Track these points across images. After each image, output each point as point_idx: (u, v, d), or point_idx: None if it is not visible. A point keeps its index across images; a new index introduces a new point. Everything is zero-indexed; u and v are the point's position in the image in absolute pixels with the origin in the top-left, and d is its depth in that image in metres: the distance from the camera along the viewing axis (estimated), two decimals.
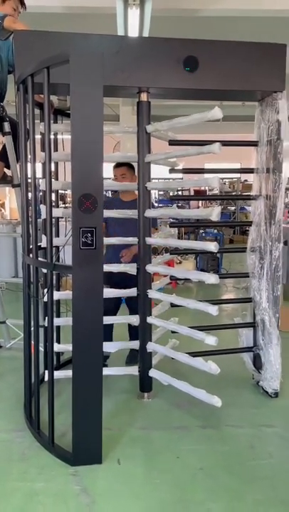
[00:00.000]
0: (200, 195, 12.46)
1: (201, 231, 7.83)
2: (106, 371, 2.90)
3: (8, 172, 3.70)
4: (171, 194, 12.72)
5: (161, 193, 13.92)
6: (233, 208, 14.33)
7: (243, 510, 2.04)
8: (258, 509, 2.04)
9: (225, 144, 2.94)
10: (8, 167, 3.59)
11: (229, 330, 3.60)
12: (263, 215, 3.05)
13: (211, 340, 2.73)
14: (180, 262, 6.82)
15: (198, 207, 12.21)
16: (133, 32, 4.65)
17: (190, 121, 2.78)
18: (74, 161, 2.17)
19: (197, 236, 7.93)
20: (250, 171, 3.15)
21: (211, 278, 2.69)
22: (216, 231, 7.89)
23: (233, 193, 13.72)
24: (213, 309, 2.71)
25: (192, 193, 11.15)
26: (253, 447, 2.54)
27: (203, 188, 13.03)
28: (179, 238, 8.09)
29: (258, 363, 3.22)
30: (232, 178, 14.60)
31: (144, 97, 2.88)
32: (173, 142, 2.97)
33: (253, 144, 3.09)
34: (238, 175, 13.77)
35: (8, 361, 3.81)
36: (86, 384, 2.30)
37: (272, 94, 2.92)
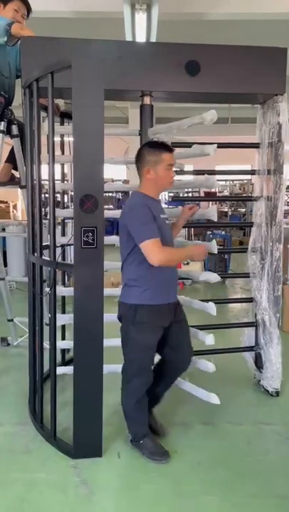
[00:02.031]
0: (210, 196, 12.49)
1: (209, 232, 7.86)
2: (109, 368, 2.96)
3: (16, 174, 3.80)
4: (181, 195, 12.76)
5: (171, 194, 13.97)
6: (243, 210, 14.34)
7: (236, 502, 2.09)
8: (252, 502, 2.09)
9: (225, 146, 3.00)
10: (16, 169, 3.70)
11: (232, 329, 3.65)
12: (263, 216, 3.09)
13: (208, 340, 2.78)
14: (187, 263, 6.86)
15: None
16: (140, 36, 4.73)
17: (181, 126, 2.84)
18: (76, 162, 2.25)
19: (205, 237, 7.96)
20: (251, 172, 3.19)
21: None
22: (223, 232, 7.91)
23: (244, 195, 13.73)
24: (210, 306, 2.77)
25: (202, 195, 11.21)
26: (250, 444, 2.59)
27: (213, 190, 13.07)
28: (189, 239, 8.16)
29: (259, 362, 3.26)
30: (242, 180, 14.60)
31: (147, 100, 2.95)
32: (173, 145, 3.02)
33: (255, 146, 3.14)
34: (248, 176, 13.78)
35: (15, 358, 3.91)
36: (87, 378, 2.37)
37: (273, 97, 2.97)
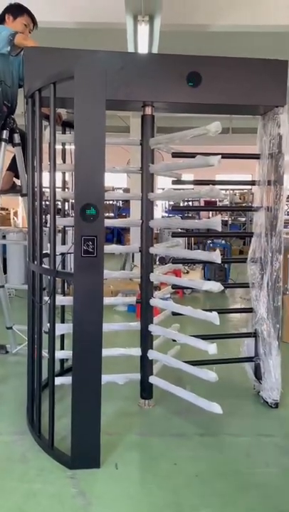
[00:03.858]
0: (210, 205, 12.54)
1: (209, 241, 7.88)
2: (108, 378, 2.96)
3: (17, 182, 3.82)
4: (181, 205, 12.80)
5: (171, 203, 14.01)
6: (243, 219, 14.38)
7: None
8: None
9: (226, 156, 3.01)
10: (17, 177, 3.72)
11: (233, 339, 3.64)
12: (263, 227, 3.10)
13: (211, 349, 2.77)
14: (187, 272, 6.87)
15: (208, 217, 12.29)
16: (143, 47, 4.77)
17: (184, 136, 2.85)
18: (77, 171, 2.27)
19: (205, 247, 7.98)
20: (252, 183, 3.20)
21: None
22: (223, 242, 7.93)
23: (244, 204, 13.78)
24: (213, 316, 2.75)
25: (202, 204, 11.23)
26: (249, 456, 2.57)
27: (213, 199, 13.12)
28: (189, 249, 8.17)
29: (258, 373, 3.25)
30: (243, 189, 14.65)
31: (148, 110, 2.97)
32: (176, 155, 3.05)
33: (255, 156, 3.16)
34: (248, 186, 13.84)
35: (13, 366, 3.90)
36: (85, 388, 2.36)
37: (274, 109, 2.99)
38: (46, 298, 2.61)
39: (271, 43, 4.98)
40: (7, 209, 14.01)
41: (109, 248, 3.30)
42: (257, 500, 2.17)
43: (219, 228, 2.76)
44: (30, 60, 2.77)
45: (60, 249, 3.09)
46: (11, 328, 4.16)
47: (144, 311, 3.14)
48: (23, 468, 2.41)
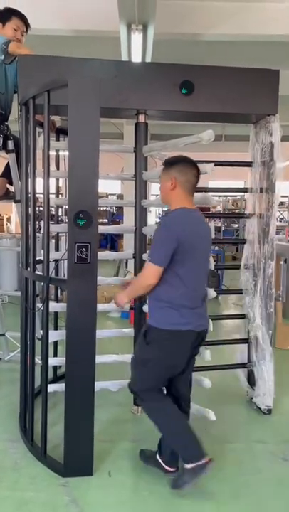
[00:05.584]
0: (203, 212, 12.59)
1: None
2: (101, 384, 2.95)
3: (11, 188, 3.82)
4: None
5: (165, 209, 14.04)
6: (236, 225, 14.45)
7: None
8: None
9: (219, 164, 3.04)
10: (11, 183, 3.72)
11: (226, 345, 3.65)
12: (256, 234, 3.13)
13: (206, 355, 2.78)
14: None
15: None
16: (136, 56, 4.80)
17: (177, 144, 2.87)
18: (71, 178, 2.28)
19: None
20: (244, 190, 3.23)
21: None
22: (216, 248, 7.97)
23: (237, 211, 13.87)
24: None
25: None
26: (242, 462, 2.57)
27: (206, 206, 13.17)
28: None
29: (251, 379, 3.26)
30: (236, 196, 14.74)
31: (141, 118, 3.00)
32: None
33: (248, 164, 3.19)
34: (241, 193, 13.92)
35: (6, 373, 3.87)
36: (78, 395, 2.35)
37: (265, 118, 3.03)
38: (39, 304, 2.60)
39: (263, 53, 5.04)
40: (0, 215, 13.98)
41: (103, 254, 3.31)
42: (250, 507, 2.17)
43: (212, 236, 2.77)
44: (24, 67, 2.79)
45: (53, 255, 3.09)
46: (3, 334, 4.14)
47: (138, 318, 3.14)
48: (15, 476, 2.39)
